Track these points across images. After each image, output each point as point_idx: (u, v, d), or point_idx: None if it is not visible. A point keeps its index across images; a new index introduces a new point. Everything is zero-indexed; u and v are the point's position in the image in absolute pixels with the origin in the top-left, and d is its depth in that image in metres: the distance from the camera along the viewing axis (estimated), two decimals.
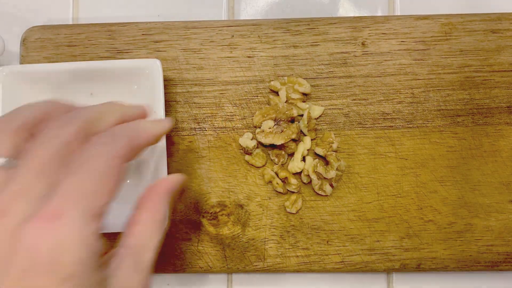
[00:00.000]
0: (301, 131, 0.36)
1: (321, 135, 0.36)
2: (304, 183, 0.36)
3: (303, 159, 0.36)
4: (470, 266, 0.36)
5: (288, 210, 0.36)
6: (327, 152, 0.36)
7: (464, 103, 0.37)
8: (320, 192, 0.36)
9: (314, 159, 0.36)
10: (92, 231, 0.20)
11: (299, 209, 0.36)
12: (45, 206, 0.20)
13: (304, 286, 0.38)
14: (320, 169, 0.35)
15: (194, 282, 0.38)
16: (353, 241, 0.36)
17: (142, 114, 0.27)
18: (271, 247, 0.36)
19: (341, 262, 0.36)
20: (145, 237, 0.24)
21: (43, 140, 0.22)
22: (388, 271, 0.36)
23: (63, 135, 0.22)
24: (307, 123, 0.36)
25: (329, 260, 0.36)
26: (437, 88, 0.37)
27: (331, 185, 0.36)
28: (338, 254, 0.36)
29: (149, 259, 0.24)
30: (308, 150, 0.36)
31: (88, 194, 0.21)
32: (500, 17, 0.37)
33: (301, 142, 0.36)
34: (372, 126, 0.36)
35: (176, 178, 0.27)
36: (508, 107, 0.36)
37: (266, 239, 0.36)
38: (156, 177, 0.30)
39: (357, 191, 0.36)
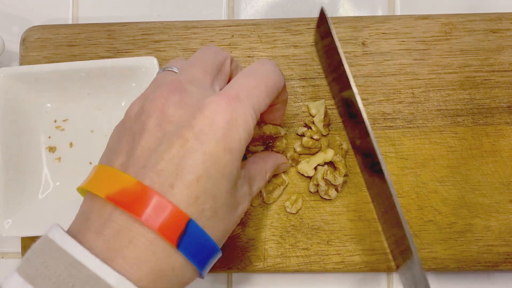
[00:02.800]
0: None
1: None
2: (311, 192, 0.36)
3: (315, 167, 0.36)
4: (470, 266, 0.36)
5: (288, 210, 0.36)
6: (338, 158, 0.35)
7: (464, 103, 0.36)
8: (325, 196, 0.36)
9: (323, 165, 0.36)
10: (254, 121, 0.25)
11: (299, 209, 0.36)
12: (226, 89, 0.25)
13: (304, 286, 0.38)
14: (330, 176, 0.35)
15: (194, 282, 0.38)
16: (353, 241, 0.36)
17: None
18: (271, 247, 0.36)
19: (341, 262, 0.36)
20: (256, 172, 0.30)
21: (206, 53, 0.27)
22: (388, 271, 0.36)
23: (219, 50, 0.28)
24: (323, 117, 0.36)
25: (329, 260, 0.36)
26: (437, 88, 0.37)
27: (337, 190, 0.35)
28: (338, 254, 0.36)
29: (256, 190, 0.30)
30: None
31: (257, 95, 0.25)
32: (500, 17, 0.37)
33: (322, 152, 0.36)
34: (372, 126, 0.36)
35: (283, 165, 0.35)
36: (508, 107, 0.36)
37: (266, 239, 0.36)
38: None
39: (357, 191, 0.36)
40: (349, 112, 0.34)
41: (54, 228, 0.23)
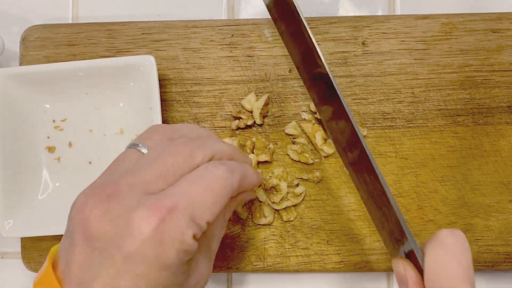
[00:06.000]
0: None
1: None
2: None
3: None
4: None
5: (284, 219, 0.36)
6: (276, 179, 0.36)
7: (465, 102, 0.36)
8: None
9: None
10: (196, 231, 0.23)
11: (295, 218, 0.36)
12: (161, 199, 0.22)
13: (304, 286, 0.38)
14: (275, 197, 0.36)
15: None
16: (353, 241, 0.36)
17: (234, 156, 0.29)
18: (271, 247, 0.36)
19: (341, 262, 0.36)
20: (216, 230, 0.27)
21: (174, 151, 0.25)
22: (388, 271, 0.36)
23: (190, 152, 0.25)
24: (263, 106, 0.36)
25: (329, 260, 0.36)
26: (438, 88, 0.37)
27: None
28: (338, 254, 0.36)
29: (216, 248, 0.28)
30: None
31: (199, 205, 0.23)
32: (500, 17, 0.37)
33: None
34: (372, 125, 0.36)
35: (251, 190, 0.29)
36: (508, 106, 0.36)
37: (266, 239, 0.36)
38: None
39: (357, 190, 0.36)
40: (322, 92, 0.31)
41: None
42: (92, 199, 0.23)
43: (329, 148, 0.36)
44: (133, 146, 0.26)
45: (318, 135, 0.36)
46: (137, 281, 0.22)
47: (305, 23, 0.30)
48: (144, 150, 0.25)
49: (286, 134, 0.37)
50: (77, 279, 0.22)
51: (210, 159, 0.25)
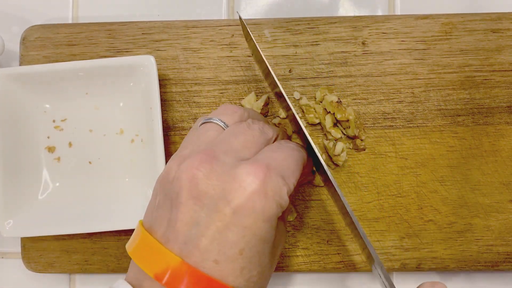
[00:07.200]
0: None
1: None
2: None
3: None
4: (470, 266, 0.36)
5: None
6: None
7: (465, 102, 0.36)
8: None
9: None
10: (288, 189, 0.25)
11: (295, 218, 0.36)
12: (257, 160, 0.24)
13: (304, 286, 0.38)
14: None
15: None
16: (353, 241, 0.36)
17: None
18: None
19: (341, 262, 0.36)
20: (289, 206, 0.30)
21: (250, 127, 0.27)
22: (388, 271, 0.36)
23: (262, 129, 0.28)
24: (263, 106, 0.37)
25: (329, 260, 0.36)
26: (438, 88, 0.37)
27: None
28: (338, 254, 0.36)
29: (286, 220, 0.31)
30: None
31: (285, 168, 0.25)
32: (500, 17, 0.37)
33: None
34: (372, 125, 0.36)
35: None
36: (508, 106, 0.36)
37: None
38: (155, 176, 0.30)
39: (357, 190, 0.36)
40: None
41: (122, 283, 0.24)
42: (197, 160, 0.24)
43: (336, 133, 0.36)
44: (209, 120, 0.28)
45: (328, 118, 0.36)
46: (244, 233, 0.23)
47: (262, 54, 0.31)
48: (222, 124, 0.28)
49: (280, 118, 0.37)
50: (183, 237, 0.23)
51: (276, 138, 0.28)
